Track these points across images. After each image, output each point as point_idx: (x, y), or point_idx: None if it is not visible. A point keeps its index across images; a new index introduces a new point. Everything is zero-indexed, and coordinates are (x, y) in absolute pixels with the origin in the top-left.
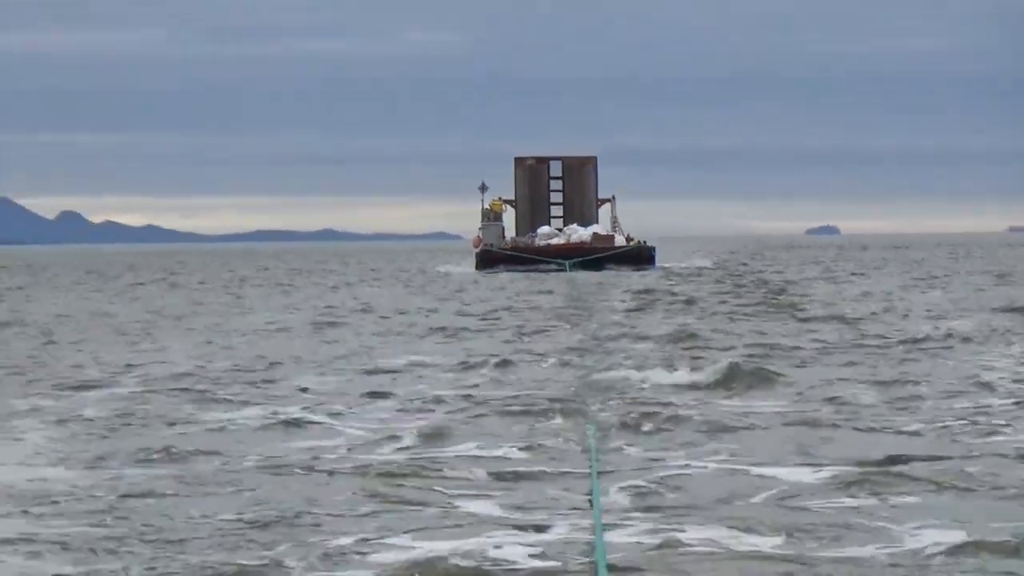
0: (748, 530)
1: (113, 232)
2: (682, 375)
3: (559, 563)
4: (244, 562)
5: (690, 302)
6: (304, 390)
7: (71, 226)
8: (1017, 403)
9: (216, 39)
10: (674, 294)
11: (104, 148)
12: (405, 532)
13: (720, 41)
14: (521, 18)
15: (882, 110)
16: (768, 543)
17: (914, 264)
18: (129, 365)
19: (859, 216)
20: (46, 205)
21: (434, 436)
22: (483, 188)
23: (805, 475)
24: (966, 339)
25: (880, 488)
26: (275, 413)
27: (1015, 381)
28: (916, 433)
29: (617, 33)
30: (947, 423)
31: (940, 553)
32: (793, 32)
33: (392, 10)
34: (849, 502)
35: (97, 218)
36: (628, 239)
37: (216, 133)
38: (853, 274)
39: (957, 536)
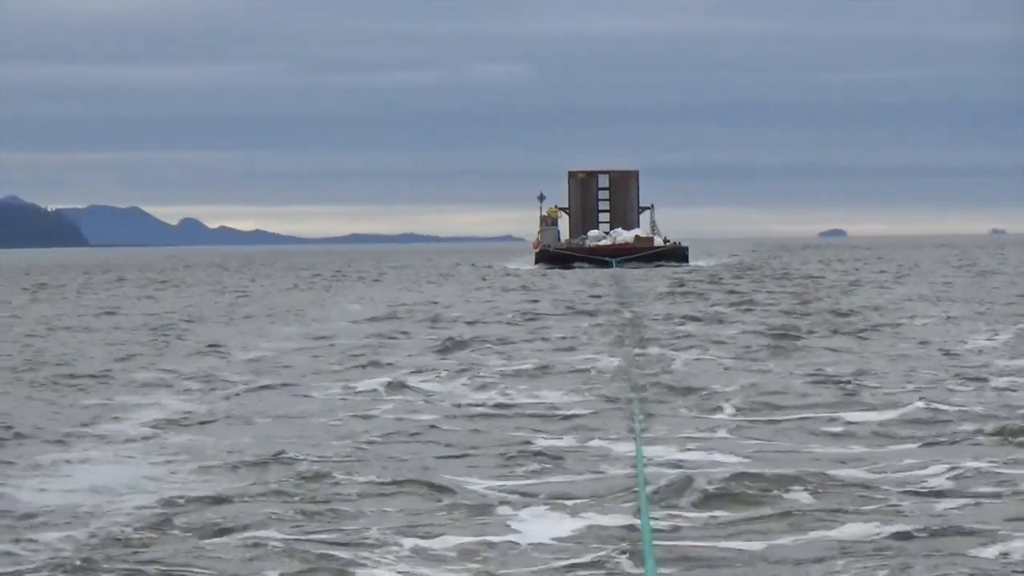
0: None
1: (226, 235)
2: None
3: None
4: None
5: (718, 291)
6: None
7: (191, 231)
8: None
9: (315, 72)
10: (702, 284)
11: (219, 164)
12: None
13: (742, 73)
14: (572, 53)
15: (881, 130)
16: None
17: (894, 256)
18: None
19: (863, 221)
20: (169, 213)
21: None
22: (541, 197)
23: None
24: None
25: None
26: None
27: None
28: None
29: (653, 65)
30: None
31: None
32: (805, 65)
33: (461, 47)
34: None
35: (213, 224)
36: (665, 240)
37: (314, 151)
38: (856, 267)
39: None
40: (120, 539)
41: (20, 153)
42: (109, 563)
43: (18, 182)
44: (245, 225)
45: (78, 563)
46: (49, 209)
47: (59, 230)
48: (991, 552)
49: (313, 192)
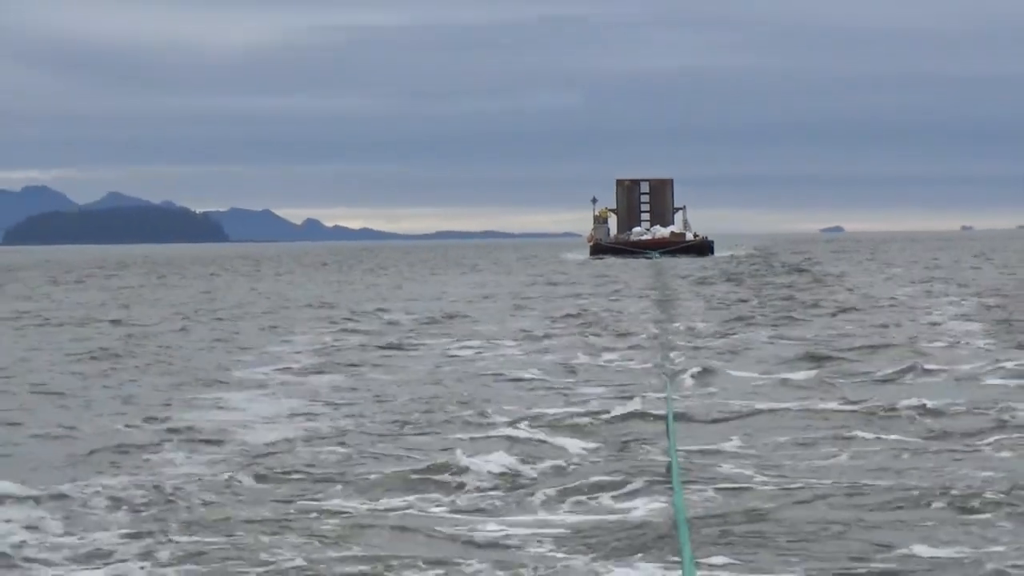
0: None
1: (340, 233)
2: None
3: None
4: None
5: (735, 278)
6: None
7: (312, 229)
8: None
9: (416, 99)
10: (724, 271)
11: (334, 175)
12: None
13: (757, 101)
14: (618, 85)
15: (872, 146)
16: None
17: (874, 251)
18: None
19: (860, 220)
20: (295, 214)
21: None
22: (594, 201)
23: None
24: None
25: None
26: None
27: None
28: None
29: (685, 94)
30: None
31: None
32: (809, 92)
33: (530, 79)
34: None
35: (329, 223)
36: (695, 236)
37: (409, 163)
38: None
39: None
40: (269, 452)
41: (174, 166)
42: (264, 468)
43: (173, 190)
44: (355, 224)
45: (243, 468)
46: (197, 211)
47: (205, 229)
48: None
49: (409, 197)
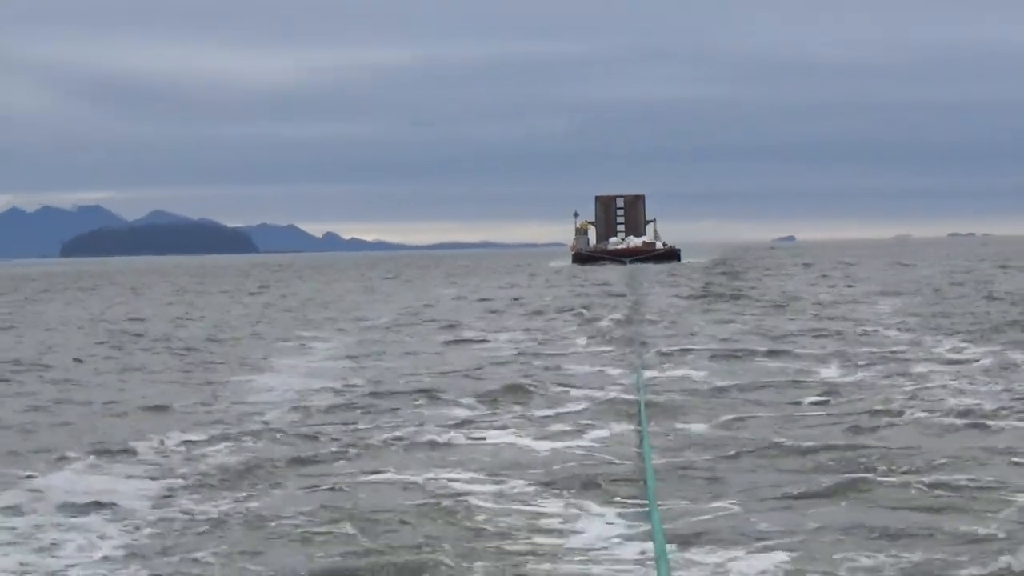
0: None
1: (356, 244)
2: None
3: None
4: None
5: (704, 281)
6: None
7: (330, 241)
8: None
9: (421, 127)
10: (699, 281)
11: (350, 193)
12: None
13: (717, 126)
14: (599, 113)
15: (821, 163)
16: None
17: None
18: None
19: (810, 230)
20: (315, 228)
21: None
22: (576, 215)
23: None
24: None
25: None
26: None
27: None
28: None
29: (656, 120)
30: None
31: None
32: (763, 119)
33: (517, 107)
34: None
35: (347, 236)
36: (664, 245)
37: (419, 183)
38: (793, 263)
39: None
40: (304, 413)
41: (210, 187)
42: (293, 428)
43: (209, 207)
44: (369, 236)
45: (289, 423)
46: (229, 226)
47: (236, 241)
48: None
49: (416, 212)
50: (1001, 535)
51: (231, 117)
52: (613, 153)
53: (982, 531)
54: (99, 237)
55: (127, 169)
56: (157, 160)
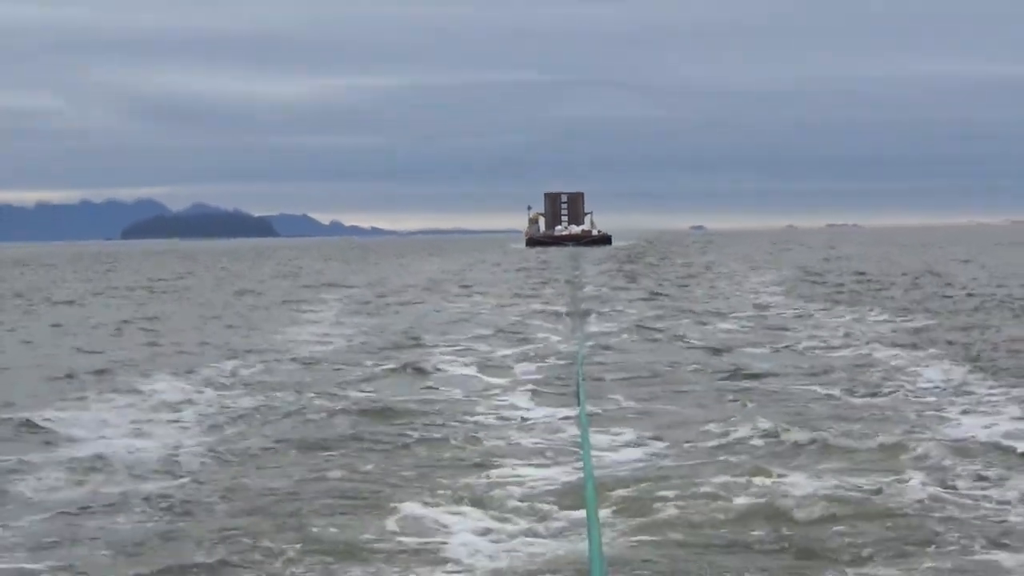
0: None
1: (354, 231)
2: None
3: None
4: None
5: (629, 259)
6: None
7: (335, 227)
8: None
9: (409, 138)
10: (622, 258)
11: (353, 189)
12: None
13: (637, 139)
14: (555, 129)
15: (725, 167)
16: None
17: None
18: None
19: (717, 221)
20: (324, 216)
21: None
22: (529, 208)
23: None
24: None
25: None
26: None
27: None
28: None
29: (590, 138)
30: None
31: None
32: (674, 132)
33: (487, 123)
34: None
35: (348, 223)
36: (599, 232)
37: (408, 183)
38: (700, 247)
39: None
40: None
41: (240, 184)
42: (315, 374)
43: (239, 200)
44: (366, 224)
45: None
46: (255, 215)
47: (260, 228)
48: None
49: (404, 205)
50: None
51: (257, 129)
52: (560, 160)
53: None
54: (151, 224)
55: (175, 170)
56: (198, 163)
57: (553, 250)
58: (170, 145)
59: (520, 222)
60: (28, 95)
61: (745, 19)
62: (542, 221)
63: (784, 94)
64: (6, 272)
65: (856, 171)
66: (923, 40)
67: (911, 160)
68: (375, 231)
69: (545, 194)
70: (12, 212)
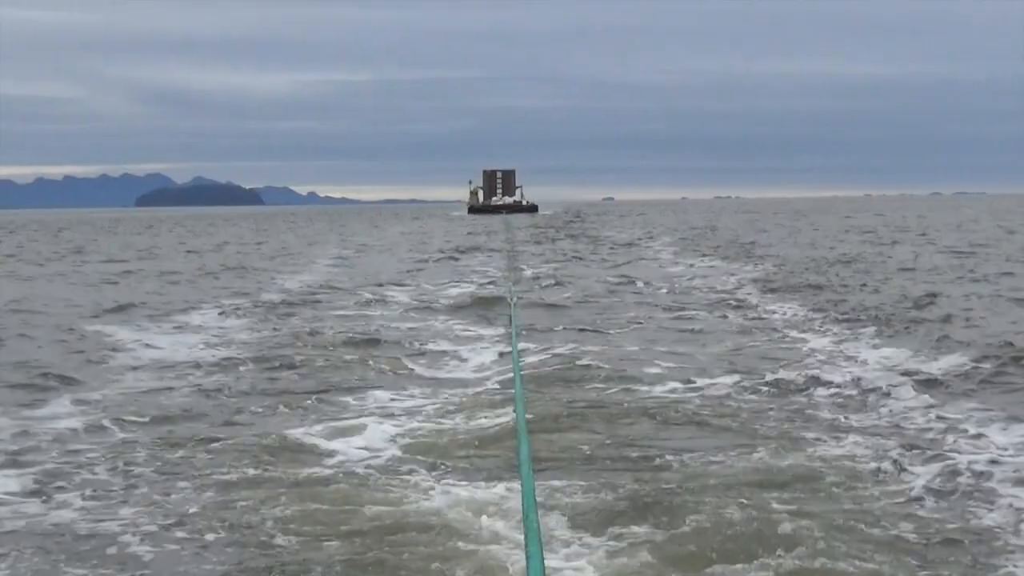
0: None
1: (327, 200)
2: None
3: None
4: None
5: (550, 225)
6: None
7: (311, 198)
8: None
9: (375, 124)
10: (544, 223)
11: (326, 165)
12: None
13: (565, 124)
14: (500, 116)
15: (630, 148)
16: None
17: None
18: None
19: (624, 193)
20: (302, 188)
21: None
22: (470, 182)
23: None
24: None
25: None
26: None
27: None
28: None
29: (522, 123)
30: None
31: None
32: (596, 121)
33: (438, 112)
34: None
35: (322, 194)
36: (527, 202)
37: (373, 160)
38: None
39: None
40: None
41: (234, 161)
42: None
43: (232, 174)
44: (337, 195)
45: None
46: (246, 187)
47: (249, 198)
48: None
49: (370, 178)
50: None
51: (245, 116)
52: (497, 141)
53: None
54: (160, 194)
55: (179, 149)
56: (199, 143)
57: (490, 216)
58: (174, 128)
59: (463, 194)
60: (53, 86)
61: (651, 23)
62: (481, 193)
63: (686, 86)
64: (70, 233)
65: (738, 152)
66: (790, 44)
67: (783, 142)
68: (345, 200)
69: (483, 171)
70: (45, 184)
